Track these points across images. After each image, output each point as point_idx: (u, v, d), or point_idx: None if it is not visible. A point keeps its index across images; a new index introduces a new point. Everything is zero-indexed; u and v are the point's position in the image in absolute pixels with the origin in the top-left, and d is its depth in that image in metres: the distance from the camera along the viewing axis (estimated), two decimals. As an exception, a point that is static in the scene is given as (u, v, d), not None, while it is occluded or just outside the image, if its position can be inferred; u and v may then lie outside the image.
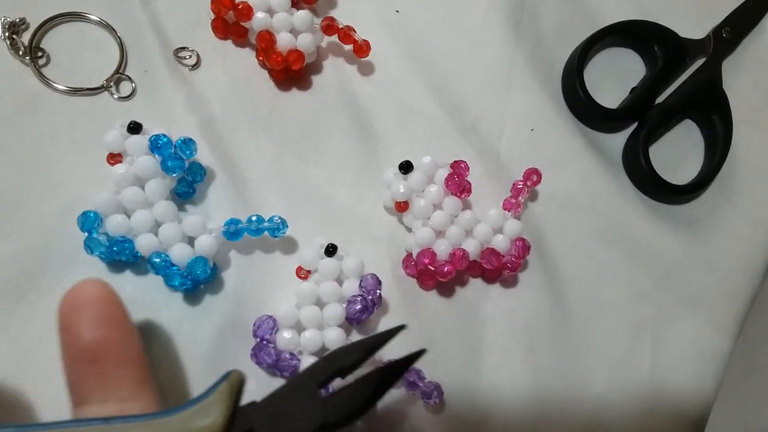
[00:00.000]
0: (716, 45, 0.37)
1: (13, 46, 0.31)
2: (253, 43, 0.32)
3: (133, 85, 0.32)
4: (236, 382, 0.21)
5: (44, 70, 0.31)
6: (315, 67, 0.34)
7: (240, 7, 0.30)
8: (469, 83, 0.35)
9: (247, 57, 0.33)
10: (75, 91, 0.31)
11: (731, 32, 0.37)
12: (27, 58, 0.31)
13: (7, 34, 0.30)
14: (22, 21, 0.31)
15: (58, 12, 0.31)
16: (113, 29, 0.32)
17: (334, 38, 0.32)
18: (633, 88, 0.36)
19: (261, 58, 0.32)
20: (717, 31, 0.38)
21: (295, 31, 0.31)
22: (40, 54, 0.31)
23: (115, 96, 0.31)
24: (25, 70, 0.31)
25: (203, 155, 0.31)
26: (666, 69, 0.36)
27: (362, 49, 0.32)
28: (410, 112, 0.34)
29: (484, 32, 0.36)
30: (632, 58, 0.38)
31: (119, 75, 0.31)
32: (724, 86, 0.36)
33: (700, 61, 0.37)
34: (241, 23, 0.31)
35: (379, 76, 0.34)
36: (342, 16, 0.33)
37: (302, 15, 0.31)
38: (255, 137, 0.32)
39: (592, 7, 0.37)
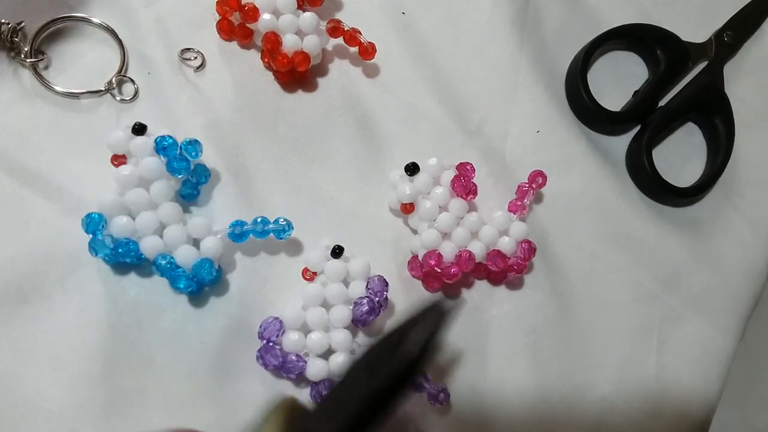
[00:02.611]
0: (718, 48, 0.37)
1: (13, 50, 0.30)
2: (258, 45, 0.32)
3: (136, 87, 0.31)
4: (282, 403, 0.19)
5: (45, 73, 0.31)
6: (320, 69, 0.33)
7: (246, 8, 0.30)
8: (474, 85, 0.35)
9: (252, 58, 0.33)
10: (77, 95, 0.31)
11: (733, 36, 0.38)
12: (27, 61, 0.30)
13: (7, 37, 0.30)
14: (20, 24, 0.31)
15: (58, 15, 0.31)
16: (113, 31, 0.32)
17: (340, 40, 0.32)
18: (636, 91, 0.37)
19: (266, 60, 0.32)
20: (719, 34, 0.38)
21: (300, 33, 0.31)
22: (40, 57, 0.31)
23: (118, 98, 0.31)
24: (26, 73, 0.31)
25: (208, 157, 0.31)
26: (668, 72, 0.36)
27: (368, 51, 0.32)
28: (415, 114, 0.34)
29: (489, 35, 0.36)
30: (635, 61, 0.38)
31: (121, 77, 0.31)
32: (725, 89, 0.36)
33: (702, 65, 0.37)
34: (247, 24, 0.31)
35: (384, 78, 0.34)
36: (348, 18, 0.33)
37: (308, 17, 0.31)
38: (260, 139, 0.32)
39: (595, 10, 0.37)
